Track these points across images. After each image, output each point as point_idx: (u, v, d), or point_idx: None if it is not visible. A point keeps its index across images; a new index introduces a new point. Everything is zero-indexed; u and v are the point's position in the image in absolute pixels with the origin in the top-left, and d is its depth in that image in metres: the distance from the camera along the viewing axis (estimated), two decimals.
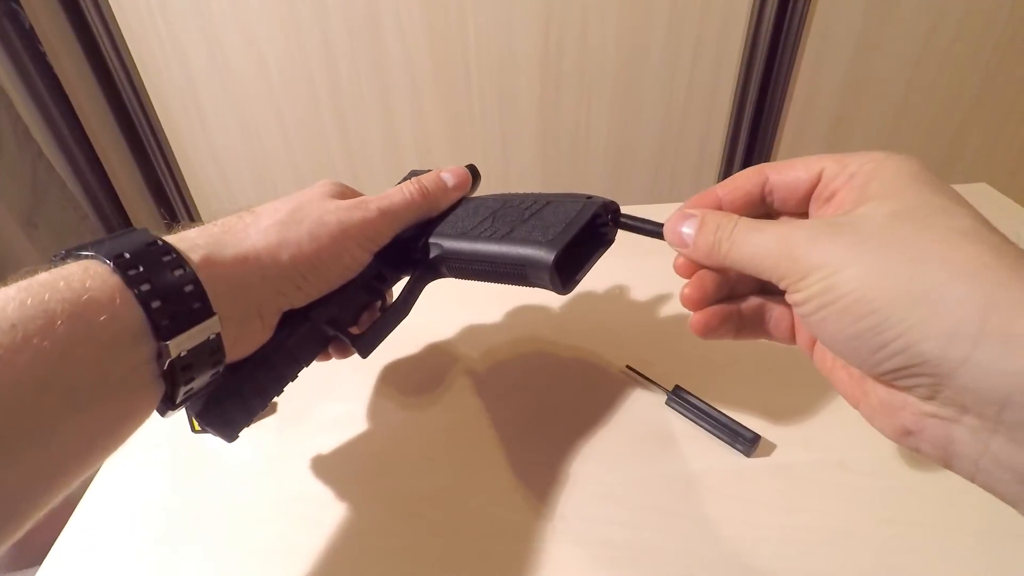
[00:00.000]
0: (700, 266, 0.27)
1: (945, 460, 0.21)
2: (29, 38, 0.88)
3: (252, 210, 0.31)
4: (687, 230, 0.26)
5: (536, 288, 0.32)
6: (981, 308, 0.18)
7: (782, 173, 0.25)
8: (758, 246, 0.23)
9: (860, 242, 0.21)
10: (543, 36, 0.93)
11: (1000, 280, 0.18)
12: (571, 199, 0.33)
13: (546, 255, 0.30)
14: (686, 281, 0.27)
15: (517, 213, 0.33)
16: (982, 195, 0.62)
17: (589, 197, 0.32)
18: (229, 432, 0.31)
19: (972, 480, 0.20)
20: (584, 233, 0.31)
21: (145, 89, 0.98)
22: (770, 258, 0.23)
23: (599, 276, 0.34)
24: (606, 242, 0.33)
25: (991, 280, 0.18)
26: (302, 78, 0.97)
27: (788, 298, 0.23)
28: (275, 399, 0.45)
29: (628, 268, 0.33)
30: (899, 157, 0.23)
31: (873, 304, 0.20)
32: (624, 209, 0.32)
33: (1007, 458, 0.19)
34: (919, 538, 0.33)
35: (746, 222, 0.24)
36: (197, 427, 0.42)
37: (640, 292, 0.51)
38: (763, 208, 0.27)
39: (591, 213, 0.31)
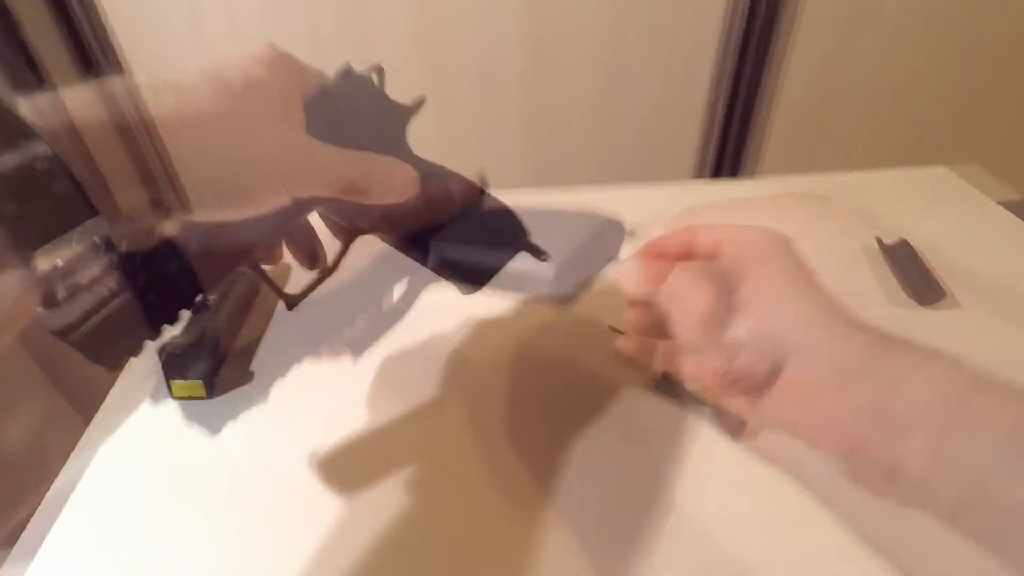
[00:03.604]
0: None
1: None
2: (4, 14, 0.87)
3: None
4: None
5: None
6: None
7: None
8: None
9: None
10: (523, 16, 0.94)
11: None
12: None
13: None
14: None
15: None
16: (941, 180, 0.64)
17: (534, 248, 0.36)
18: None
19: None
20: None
21: (128, 66, 0.98)
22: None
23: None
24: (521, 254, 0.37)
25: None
26: None
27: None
28: (252, 370, 0.46)
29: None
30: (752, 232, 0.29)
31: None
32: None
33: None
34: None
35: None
36: (176, 392, 0.43)
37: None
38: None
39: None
